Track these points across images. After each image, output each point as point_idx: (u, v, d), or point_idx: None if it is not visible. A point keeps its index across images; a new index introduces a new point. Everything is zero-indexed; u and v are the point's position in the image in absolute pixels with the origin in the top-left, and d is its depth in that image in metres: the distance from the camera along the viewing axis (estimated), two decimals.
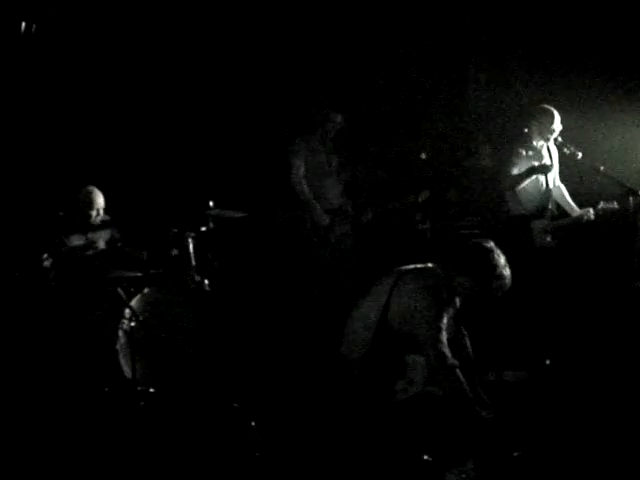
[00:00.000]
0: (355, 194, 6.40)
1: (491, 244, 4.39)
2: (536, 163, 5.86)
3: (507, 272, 4.36)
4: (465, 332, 4.69)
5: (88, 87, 6.28)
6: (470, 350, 4.62)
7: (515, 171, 5.81)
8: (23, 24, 5.89)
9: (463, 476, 3.89)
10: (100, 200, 5.45)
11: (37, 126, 6.12)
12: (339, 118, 6.27)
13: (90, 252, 5.38)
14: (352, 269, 6.33)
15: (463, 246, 4.51)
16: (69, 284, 5.14)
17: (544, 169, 5.81)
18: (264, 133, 6.65)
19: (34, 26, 5.91)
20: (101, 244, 5.48)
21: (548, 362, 5.25)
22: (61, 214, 5.46)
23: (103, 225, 5.52)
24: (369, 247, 6.40)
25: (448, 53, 6.67)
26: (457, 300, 4.50)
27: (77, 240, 5.43)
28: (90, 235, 5.46)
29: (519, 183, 5.80)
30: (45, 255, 5.14)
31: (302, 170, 6.22)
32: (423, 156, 6.55)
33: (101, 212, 5.47)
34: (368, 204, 6.39)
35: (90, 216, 5.43)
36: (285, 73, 6.67)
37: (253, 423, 4.38)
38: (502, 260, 4.36)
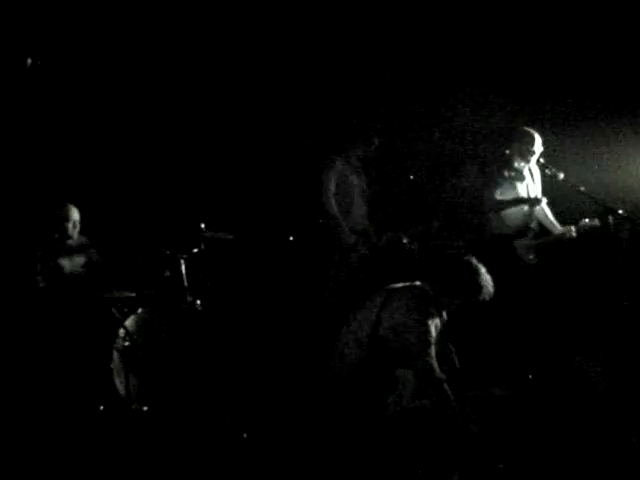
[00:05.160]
0: (376, 217, 6.40)
1: (473, 260, 4.56)
2: (518, 184, 6.00)
3: (489, 282, 4.53)
4: (452, 348, 4.83)
5: (77, 103, 6.23)
6: (457, 365, 4.75)
7: (498, 193, 5.96)
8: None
9: None
10: (75, 214, 5.47)
11: (26, 144, 6.10)
12: (377, 142, 6.26)
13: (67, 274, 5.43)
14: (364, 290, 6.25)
15: (447, 264, 4.68)
16: (63, 304, 5.23)
17: (534, 202, 5.96)
18: (258, 154, 6.72)
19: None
20: (77, 267, 5.53)
21: (530, 377, 5.36)
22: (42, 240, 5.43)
23: (80, 248, 5.57)
24: (382, 270, 6.38)
25: (437, 75, 6.80)
26: (444, 315, 4.66)
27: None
28: (64, 260, 5.47)
29: (502, 209, 5.95)
30: (39, 277, 5.23)
31: (334, 187, 6.14)
32: (411, 177, 6.65)
33: (77, 226, 5.48)
34: (383, 229, 6.40)
35: (66, 229, 5.42)
36: (295, 90, 6.67)
37: (245, 435, 4.48)
38: (483, 271, 4.54)
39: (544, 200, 6.04)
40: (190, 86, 6.50)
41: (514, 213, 6.00)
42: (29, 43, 5.24)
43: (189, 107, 6.53)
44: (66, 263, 5.52)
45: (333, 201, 6.12)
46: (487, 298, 4.56)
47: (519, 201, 5.97)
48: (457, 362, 4.72)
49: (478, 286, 4.52)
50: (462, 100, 6.84)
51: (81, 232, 5.67)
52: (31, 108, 6.07)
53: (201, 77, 6.52)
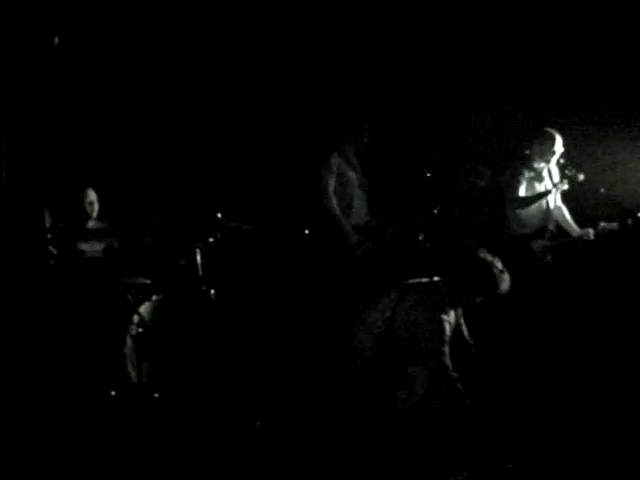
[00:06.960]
0: (377, 211, 6.34)
1: (488, 256, 4.55)
2: (537, 184, 5.99)
3: (505, 277, 4.51)
4: (472, 342, 4.81)
5: (96, 96, 6.25)
6: (474, 361, 4.75)
7: (521, 193, 5.94)
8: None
9: None
10: (92, 195, 5.62)
11: (42, 133, 6.14)
12: (367, 128, 6.16)
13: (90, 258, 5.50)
14: (371, 286, 6.18)
15: (463, 262, 4.66)
16: (78, 288, 5.25)
17: (556, 186, 5.95)
18: (274, 146, 6.71)
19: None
20: (96, 253, 5.58)
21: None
22: (61, 225, 5.53)
23: (100, 233, 5.66)
24: (387, 264, 6.35)
25: (453, 76, 6.79)
26: (460, 312, 4.65)
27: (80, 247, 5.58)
28: (83, 244, 5.55)
29: (528, 205, 5.92)
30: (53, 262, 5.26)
31: (333, 185, 6.04)
32: (428, 174, 6.62)
33: (95, 207, 5.61)
34: (388, 221, 6.35)
35: (85, 211, 5.57)
36: (303, 86, 6.66)
37: (258, 423, 4.49)
38: (499, 265, 4.52)
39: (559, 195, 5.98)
40: (210, 77, 6.53)
41: (532, 214, 5.98)
42: (56, 22, 5.26)
43: (207, 99, 6.55)
44: (85, 247, 5.58)
45: (333, 200, 6.01)
46: (504, 292, 4.55)
47: (542, 195, 5.93)
48: (474, 358, 4.71)
49: (494, 282, 4.50)
50: (478, 102, 6.82)
51: (101, 219, 5.72)
52: (51, 93, 6.11)
53: (224, 71, 6.55)
